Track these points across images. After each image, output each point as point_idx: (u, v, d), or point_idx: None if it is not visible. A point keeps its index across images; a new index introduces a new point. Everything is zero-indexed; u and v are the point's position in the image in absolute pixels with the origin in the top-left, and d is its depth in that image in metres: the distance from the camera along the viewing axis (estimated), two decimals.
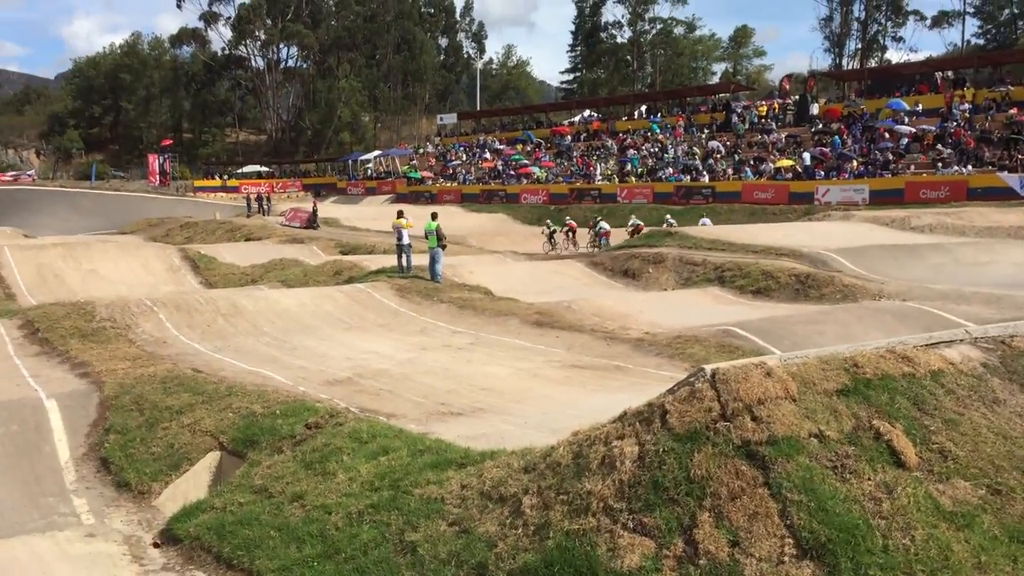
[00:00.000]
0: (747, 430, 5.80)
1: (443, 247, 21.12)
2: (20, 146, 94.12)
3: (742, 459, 5.70)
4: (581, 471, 6.19)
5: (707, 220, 35.15)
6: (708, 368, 6.23)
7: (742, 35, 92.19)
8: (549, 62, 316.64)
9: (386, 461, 8.04)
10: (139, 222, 47.98)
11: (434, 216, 21.09)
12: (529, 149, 58.77)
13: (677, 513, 5.58)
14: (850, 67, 75.50)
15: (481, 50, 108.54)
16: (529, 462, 6.85)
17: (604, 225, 31.26)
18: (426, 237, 21.30)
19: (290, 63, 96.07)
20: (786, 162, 41.55)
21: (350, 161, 72.49)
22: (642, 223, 32.04)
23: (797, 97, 50.80)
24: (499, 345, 15.11)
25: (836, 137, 42.20)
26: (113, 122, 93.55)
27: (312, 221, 40.09)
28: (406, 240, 22.28)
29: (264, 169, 77.00)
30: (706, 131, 50.30)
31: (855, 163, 39.00)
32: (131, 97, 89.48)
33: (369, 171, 69.28)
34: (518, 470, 6.83)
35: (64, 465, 10.22)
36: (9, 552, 7.46)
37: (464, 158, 62.36)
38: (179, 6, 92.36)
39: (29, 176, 72.75)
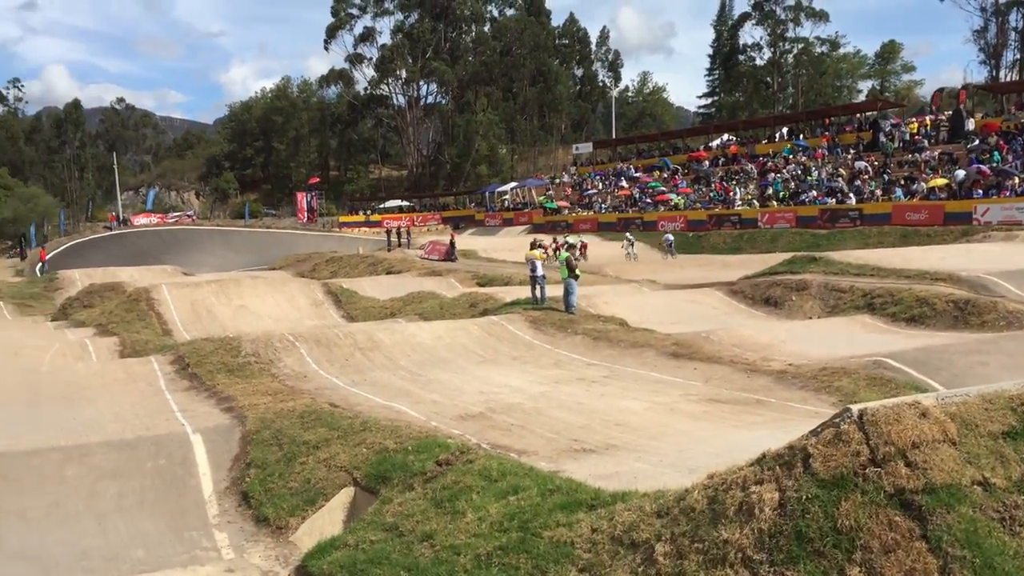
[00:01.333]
0: (901, 477, 5.30)
1: (575, 277, 20.75)
2: (181, 188, 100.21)
3: (896, 509, 5.22)
4: (717, 518, 5.82)
5: (670, 236, 41.25)
6: (855, 408, 5.76)
7: (889, 51, 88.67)
8: (686, 87, 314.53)
9: (515, 501, 7.83)
10: (288, 258, 49.91)
11: (568, 247, 20.82)
12: (666, 176, 58.04)
13: (824, 567, 5.14)
14: (1008, 79, 71.30)
15: (617, 78, 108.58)
16: (662, 506, 6.50)
17: (571, 240, 30.83)
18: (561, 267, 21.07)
19: (429, 99, 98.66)
20: (940, 181, 39.41)
21: (487, 193, 73.44)
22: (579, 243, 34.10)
23: (951, 112, 48.21)
24: (634, 378, 14.73)
25: (996, 152, 39.76)
26: (265, 162, 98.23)
27: (450, 254, 40.68)
28: (540, 272, 22.19)
29: (405, 203, 78.96)
30: (852, 151, 48.40)
31: (1017, 180, 36.59)
32: (282, 138, 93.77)
33: (506, 202, 70.02)
34: (650, 514, 6.49)
35: (208, 499, 10.49)
36: None
37: (600, 187, 62.14)
38: (326, 48, 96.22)
39: (189, 216, 77.14)
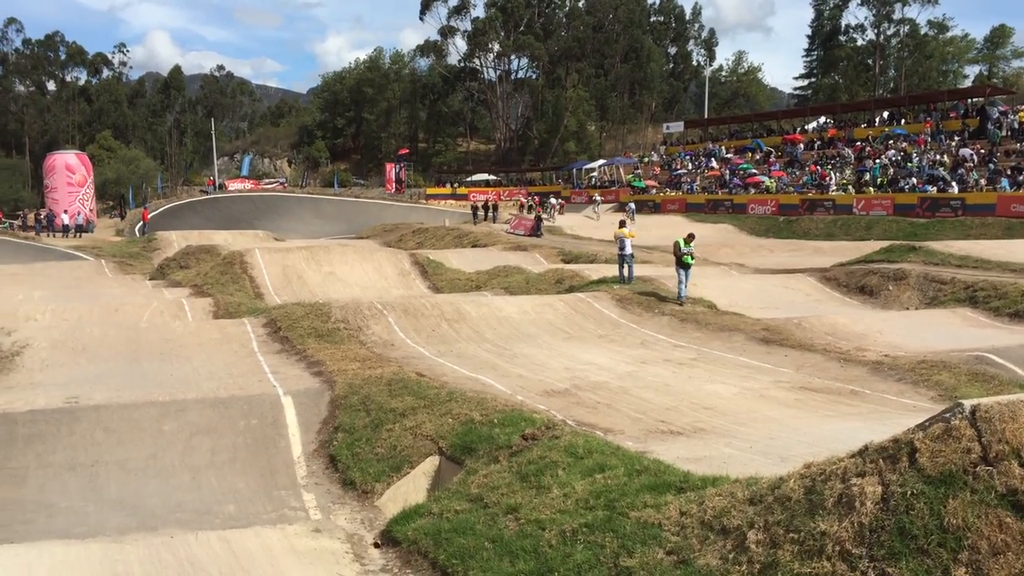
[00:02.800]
0: (1014, 477, 5.07)
1: (686, 267, 19.49)
2: (275, 155, 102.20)
3: (1007, 510, 4.99)
4: (814, 508, 5.66)
5: (632, 205, 47.30)
6: (967, 403, 5.52)
7: (999, 35, 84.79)
8: (782, 68, 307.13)
9: (602, 479, 7.78)
10: (375, 227, 50.54)
11: (690, 238, 19.91)
12: (758, 158, 56.81)
13: (927, 565, 4.96)
14: None
15: (711, 57, 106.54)
16: (755, 493, 6.36)
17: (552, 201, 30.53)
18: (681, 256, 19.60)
19: (520, 74, 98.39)
20: None
21: (574, 170, 73.04)
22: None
23: None
24: (723, 362, 14.50)
25: None
26: (355, 133, 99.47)
27: (536, 229, 40.62)
28: (628, 250, 21.98)
29: (492, 177, 79.09)
30: (956, 138, 46.54)
31: None
32: (373, 109, 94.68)
33: (593, 180, 69.53)
34: (743, 501, 6.36)
35: (296, 460, 10.72)
36: (243, 542, 7.83)
37: (690, 167, 61.21)
38: (421, 18, 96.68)
39: (281, 184, 78.70)
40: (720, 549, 5.96)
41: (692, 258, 19.67)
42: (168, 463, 10.49)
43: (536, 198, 54.62)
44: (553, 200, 43.61)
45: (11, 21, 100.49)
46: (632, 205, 50.12)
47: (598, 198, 55.81)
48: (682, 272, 19.38)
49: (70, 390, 12.43)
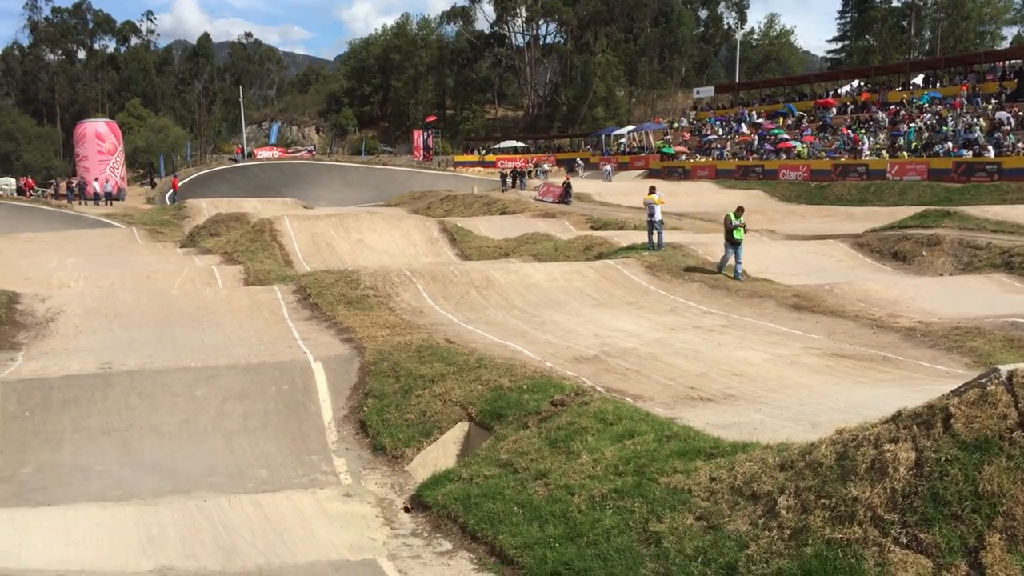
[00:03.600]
0: None
1: (736, 243, 18.49)
2: (302, 123, 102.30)
3: None
4: (846, 474, 5.62)
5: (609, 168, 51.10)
6: (1004, 369, 5.43)
7: None
8: (815, 31, 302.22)
9: (631, 445, 7.78)
10: (403, 195, 50.53)
11: (740, 211, 19.07)
12: (790, 123, 56.03)
13: (960, 531, 4.92)
14: None
15: (742, 20, 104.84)
16: (786, 459, 6.33)
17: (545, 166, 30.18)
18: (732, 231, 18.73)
19: (548, 39, 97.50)
20: None
21: (603, 136, 72.48)
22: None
23: None
24: (753, 328, 14.40)
25: None
26: (383, 100, 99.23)
27: (565, 195, 40.42)
28: (658, 216, 21.82)
29: (520, 144, 78.68)
30: (993, 101, 45.57)
31: None
32: (400, 76, 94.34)
33: (622, 146, 68.97)
34: (773, 467, 6.33)
35: (327, 425, 10.82)
36: (276, 506, 7.92)
37: (720, 132, 60.52)
38: None
39: (309, 151, 78.79)
40: (750, 515, 5.95)
41: (744, 231, 18.76)
42: (201, 428, 10.62)
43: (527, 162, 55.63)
44: (546, 166, 44.19)
45: None
46: (609, 168, 55.57)
47: (608, 167, 57.16)
48: (730, 248, 18.52)
49: (104, 356, 12.58)
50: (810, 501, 5.65)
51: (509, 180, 52.55)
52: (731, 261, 18.63)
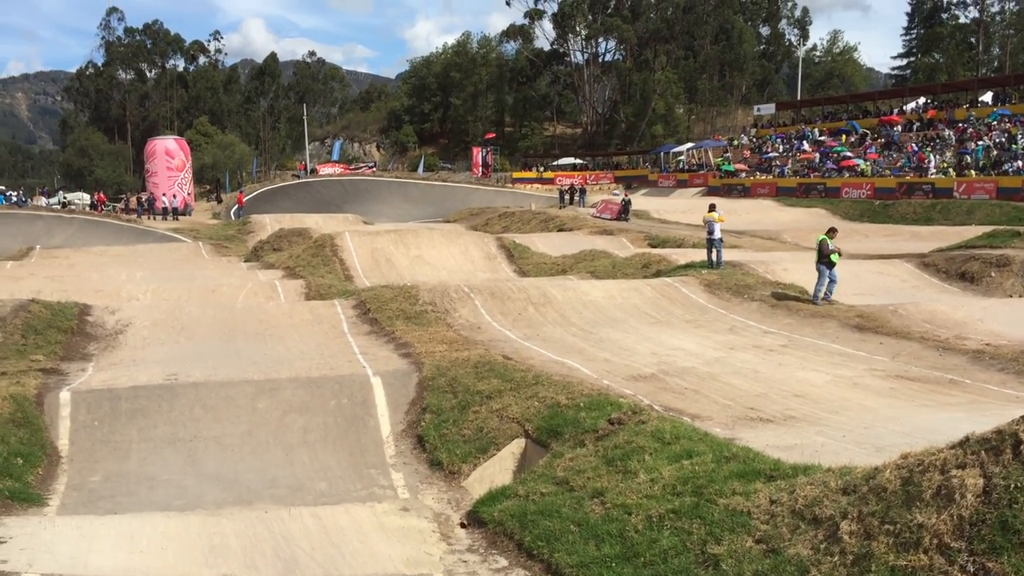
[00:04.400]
0: None
1: (830, 265, 17.64)
2: (364, 140, 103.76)
3: None
4: (911, 500, 5.51)
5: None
6: None
7: None
8: (879, 47, 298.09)
9: (689, 465, 7.71)
10: (462, 211, 50.87)
11: (832, 232, 18.51)
12: (853, 140, 55.23)
13: None
14: None
15: (804, 37, 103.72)
16: (849, 483, 6.22)
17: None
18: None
19: (607, 57, 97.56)
20: None
21: (662, 153, 72.19)
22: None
23: None
24: (814, 349, 14.19)
25: None
26: (442, 117, 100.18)
27: (623, 213, 40.32)
28: (717, 234, 21.66)
29: (578, 161, 78.72)
30: None
31: None
32: (460, 93, 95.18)
33: (681, 163, 68.64)
34: (835, 490, 6.23)
35: (385, 439, 10.92)
36: (334, 519, 8.01)
37: (781, 150, 59.88)
38: (508, 3, 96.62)
39: (370, 168, 79.78)
40: (811, 539, 5.85)
41: (839, 255, 17.80)
42: (262, 440, 10.80)
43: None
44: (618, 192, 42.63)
45: (113, 10, 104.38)
46: (618, 192, 53.26)
47: (617, 192, 55.13)
48: (826, 270, 17.58)
49: (170, 367, 12.88)
50: (874, 527, 5.55)
51: (567, 197, 52.58)
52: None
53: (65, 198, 62.22)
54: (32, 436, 10.26)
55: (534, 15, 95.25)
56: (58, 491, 9.45)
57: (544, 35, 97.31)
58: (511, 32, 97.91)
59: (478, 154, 74.74)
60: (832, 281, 17.60)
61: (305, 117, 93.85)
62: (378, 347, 14.55)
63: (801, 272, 21.00)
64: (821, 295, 17.54)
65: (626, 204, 41.11)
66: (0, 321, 15.16)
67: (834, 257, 17.67)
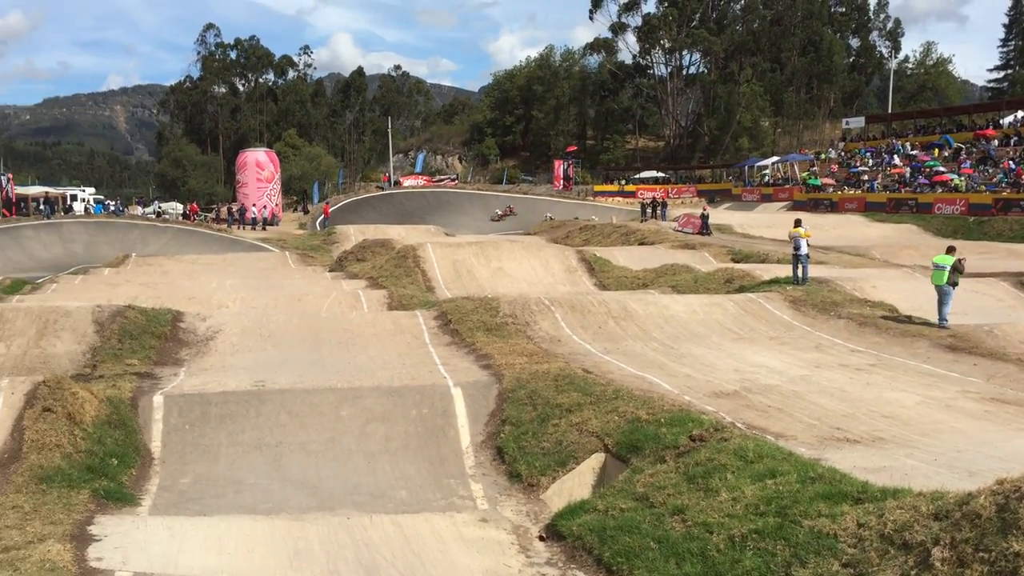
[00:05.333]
0: None
1: (954, 285, 16.89)
2: (446, 152, 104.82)
3: None
4: (1007, 527, 5.32)
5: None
6: None
7: None
8: (975, 59, 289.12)
9: (773, 485, 7.58)
10: (542, 224, 50.96)
11: (950, 250, 17.58)
12: (946, 155, 53.58)
13: None
14: None
15: (896, 49, 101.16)
16: (941, 508, 6.04)
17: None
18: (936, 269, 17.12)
19: (692, 70, 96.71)
20: None
21: (746, 167, 71.18)
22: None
23: None
24: (904, 369, 13.79)
25: None
26: (524, 130, 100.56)
27: (704, 227, 39.86)
28: (804, 250, 21.25)
29: (660, 175, 78.16)
30: None
31: None
32: (542, 107, 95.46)
33: (766, 177, 67.55)
34: (927, 515, 6.05)
35: (465, 450, 11.00)
36: (415, 527, 8.11)
37: (870, 164, 58.44)
38: (591, 17, 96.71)
39: (452, 180, 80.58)
40: (901, 564, 5.71)
41: (939, 275, 16.93)
42: (345, 447, 10.99)
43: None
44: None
45: (209, 27, 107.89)
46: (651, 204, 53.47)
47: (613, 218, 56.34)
48: (953, 291, 16.86)
49: (257, 374, 13.21)
50: (967, 554, 5.38)
51: (649, 210, 52.24)
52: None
53: (160, 208, 64.37)
54: (127, 438, 10.64)
55: (617, 28, 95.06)
56: (150, 492, 9.78)
57: (627, 48, 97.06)
58: (595, 45, 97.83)
59: (560, 167, 74.81)
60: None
61: (389, 130, 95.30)
62: (459, 358, 14.67)
63: (891, 290, 20.50)
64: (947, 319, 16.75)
65: (704, 218, 40.64)
66: (98, 326, 15.76)
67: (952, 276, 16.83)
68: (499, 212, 61.32)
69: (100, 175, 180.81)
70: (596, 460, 9.98)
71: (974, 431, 9.97)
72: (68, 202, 60.11)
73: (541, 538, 8.28)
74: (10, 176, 58.57)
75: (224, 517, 8.61)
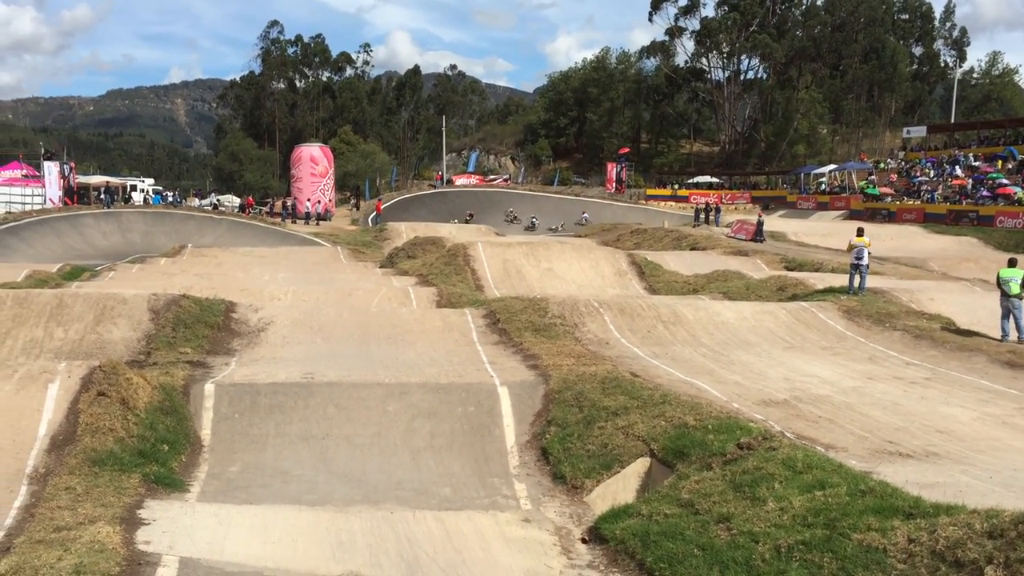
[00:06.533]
0: None
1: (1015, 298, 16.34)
2: (499, 152, 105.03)
3: None
4: None
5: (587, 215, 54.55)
6: None
7: None
8: None
9: (822, 496, 7.45)
10: (593, 226, 50.80)
11: (1013, 262, 16.96)
12: (1011, 167, 52.32)
13: None
14: None
15: (961, 58, 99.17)
16: (995, 526, 5.89)
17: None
18: (1003, 284, 16.58)
19: (749, 75, 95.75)
20: None
21: (802, 174, 70.26)
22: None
23: None
24: (960, 383, 13.48)
25: None
26: (578, 132, 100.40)
27: (758, 234, 39.41)
28: (865, 260, 20.88)
29: (714, 180, 77.51)
30: None
31: None
32: (596, 109, 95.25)
33: (822, 185, 66.60)
34: (980, 533, 5.91)
35: (509, 449, 10.99)
36: (457, 524, 8.12)
37: (931, 175, 57.31)
38: (651, 19, 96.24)
39: (505, 180, 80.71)
40: None
41: (1015, 286, 16.29)
42: (391, 442, 11.05)
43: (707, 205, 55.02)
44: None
45: (273, 23, 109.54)
46: (586, 215, 58.87)
47: (585, 215, 60.02)
48: (1012, 303, 16.34)
49: (306, 366, 13.34)
50: (1022, 574, 5.23)
51: (702, 215, 51.82)
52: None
53: (218, 200, 65.43)
54: (178, 424, 10.82)
55: (675, 32, 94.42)
56: (199, 478, 9.92)
57: (684, 51, 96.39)
58: (652, 49, 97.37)
59: (612, 169, 74.57)
60: (1017, 319, 16.41)
61: (443, 128, 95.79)
62: (506, 357, 14.67)
63: (949, 303, 20.06)
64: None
65: (760, 224, 40.17)
66: (154, 314, 16.05)
67: (1014, 288, 16.38)
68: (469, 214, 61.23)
69: (159, 167, 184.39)
70: (641, 464, 9.91)
71: None
72: (128, 192, 61.32)
73: (583, 540, 8.24)
74: (72, 165, 59.90)
75: (270, 506, 8.70)
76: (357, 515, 8.32)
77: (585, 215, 58.73)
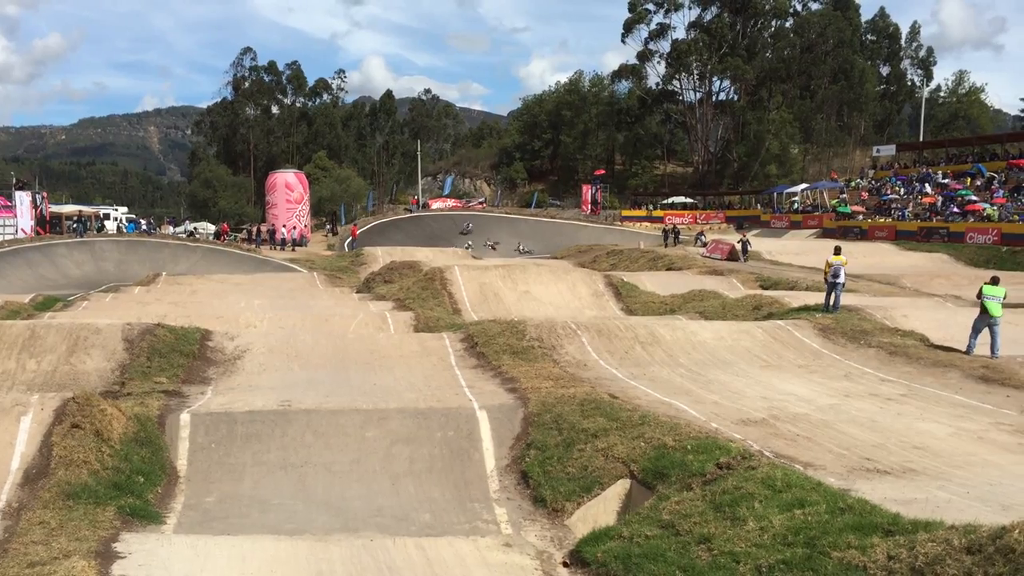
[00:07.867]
0: None
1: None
2: (475, 176, 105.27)
3: None
4: None
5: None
6: None
7: None
8: (1010, 88, 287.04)
9: (801, 515, 7.48)
10: (570, 248, 50.94)
11: (995, 280, 17.36)
12: (979, 184, 53.08)
13: None
14: None
15: (928, 77, 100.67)
16: (973, 542, 5.93)
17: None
18: (984, 299, 16.88)
19: (721, 96, 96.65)
20: None
21: (775, 194, 70.89)
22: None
23: None
24: (935, 399, 13.60)
25: None
26: (552, 154, 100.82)
27: (742, 253, 39.64)
28: (842, 278, 21.06)
29: (688, 200, 78.00)
30: None
31: None
32: (570, 131, 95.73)
33: (795, 204, 67.22)
34: (959, 549, 5.95)
35: (489, 474, 10.95)
36: (437, 551, 8.06)
37: (901, 192, 58.03)
38: (623, 41, 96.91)
39: (480, 203, 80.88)
40: None
41: (998, 307, 16.62)
42: (370, 468, 10.98)
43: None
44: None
45: (246, 50, 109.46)
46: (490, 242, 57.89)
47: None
48: (986, 320, 16.76)
49: (284, 394, 13.26)
50: None
51: (671, 238, 52.30)
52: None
53: (193, 227, 65.06)
54: (153, 455, 10.70)
55: (646, 55, 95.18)
56: (175, 510, 9.80)
57: (656, 74, 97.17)
58: (624, 71, 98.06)
59: (588, 191, 74.92)
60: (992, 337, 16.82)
61: (419, 153, 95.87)
62: (484, 381, 14.64)
63: (922, 319, 20.25)
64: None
65: (744, 245, 40.47)
66: (128, 344, 15.90)
67: (991, 307, 16.74)
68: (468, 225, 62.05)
69: (133, 195, 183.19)
70: (621, 486, 9.90)
71: (1008, 464, 9.79)
72: (101, 221, 60.90)
73: (565, 564, 8.21)
74: (45, 195, 59.45)
75: (248, 537, 8.61)
76: (336, 544, 8.25)
77: (521, 245, 59.93)
